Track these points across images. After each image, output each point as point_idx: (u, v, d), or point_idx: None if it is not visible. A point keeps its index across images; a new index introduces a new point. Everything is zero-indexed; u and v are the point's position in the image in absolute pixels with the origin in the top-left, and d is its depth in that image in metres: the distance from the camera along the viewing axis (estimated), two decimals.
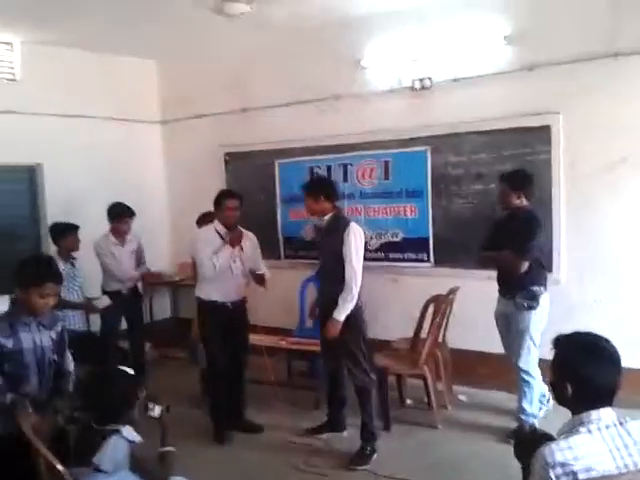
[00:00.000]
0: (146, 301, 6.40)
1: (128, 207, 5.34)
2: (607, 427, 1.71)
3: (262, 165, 6.21)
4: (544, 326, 4.02)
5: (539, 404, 4.23)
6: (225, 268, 4.24)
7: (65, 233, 4.96)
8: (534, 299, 3.98)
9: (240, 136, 6.32)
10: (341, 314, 3.88)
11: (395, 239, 5.47)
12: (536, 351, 4.03)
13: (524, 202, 4.07)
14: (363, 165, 5.58)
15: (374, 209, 5.54)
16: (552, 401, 4.15)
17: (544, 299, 4.03)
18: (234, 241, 4.25)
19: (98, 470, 2.32)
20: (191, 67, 6.64)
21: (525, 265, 3.93)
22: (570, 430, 1.74)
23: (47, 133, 5.84)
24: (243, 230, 4.38)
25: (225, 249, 4.24)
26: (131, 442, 2.42)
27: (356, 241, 3.89)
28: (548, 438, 1.96)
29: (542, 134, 4.63)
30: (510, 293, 4.07)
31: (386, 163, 5.45)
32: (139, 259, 5.58)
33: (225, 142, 6.46)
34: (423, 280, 5.26)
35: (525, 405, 4.10)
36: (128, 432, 2.42)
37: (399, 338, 5.04)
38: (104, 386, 2.48)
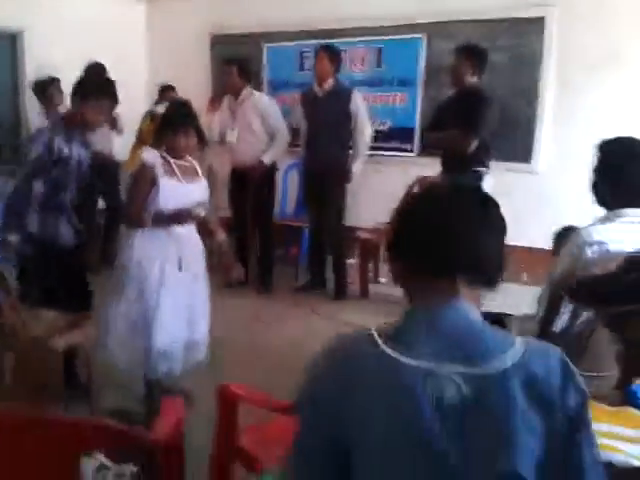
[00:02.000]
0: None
1: None
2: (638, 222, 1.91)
3: (249, 49, 6.09)
4: None
5: None
6: None
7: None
8: (477, 180, 3.87)
9: (227, 19, 6.18)
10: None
11: (382, 128, 5.55)
12: None
13: (475, 79, 4.03)
14: (355, 51, 5.57)
15: (364, 97, 5.57)
16: None
17: (487, 181, 3.93)
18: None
19: None
20: None
21: (474, 144, 3.89)
22: (606, 219, 1.95)
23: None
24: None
25: None
26: None
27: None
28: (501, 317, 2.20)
29: (536, 26, 4.71)
30: (452, 174, 3.93)
31: (379, 50, 5.46)
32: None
33: (212, 24, 6.30)
34: (406, 170, 5.38)
35: None
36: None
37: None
38: None
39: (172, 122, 2.75)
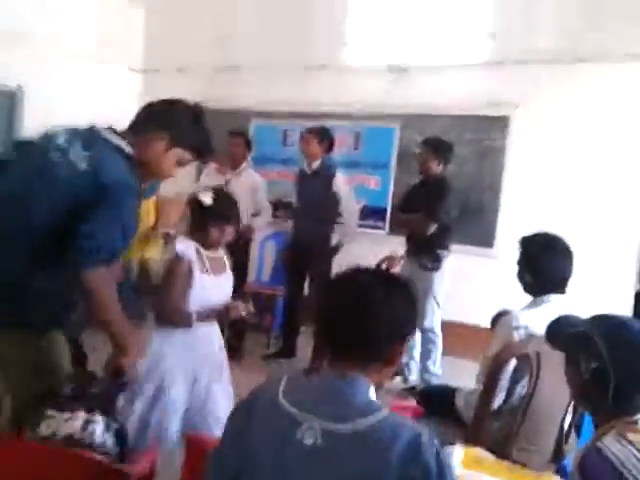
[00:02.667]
0: None
1: None
2: (558, 307, 2.16)
3: (237, 125, 6.45)
4: (446, 288, 4.28)
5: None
6: None
7: None
8: (438, 261, 4.21)
9: (220, 94, 6.57)
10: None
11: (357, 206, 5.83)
12: (439, 312, 4.28)
13: (441, 168, 4.32)
14: (336, 135, 5.93)
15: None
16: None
17: (447, 263, 4.26)
18: None
19: None
20: (178, 18, 6.78)
21: (432, 227, 4.15)
22: (533, 304, 2.22)
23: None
24: None
25: None
26: None
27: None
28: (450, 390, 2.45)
29: (501, 123, 5.17)
30: (416, 255, 4.28)
31: (357, 135, 5.85)
32: None
33: (205, 98, 6.65)
34: (377, 246, 5.70)
35: (429, 364, 4.34)
36: None
37: None
38: None
39: (221, 216, 2.65)
